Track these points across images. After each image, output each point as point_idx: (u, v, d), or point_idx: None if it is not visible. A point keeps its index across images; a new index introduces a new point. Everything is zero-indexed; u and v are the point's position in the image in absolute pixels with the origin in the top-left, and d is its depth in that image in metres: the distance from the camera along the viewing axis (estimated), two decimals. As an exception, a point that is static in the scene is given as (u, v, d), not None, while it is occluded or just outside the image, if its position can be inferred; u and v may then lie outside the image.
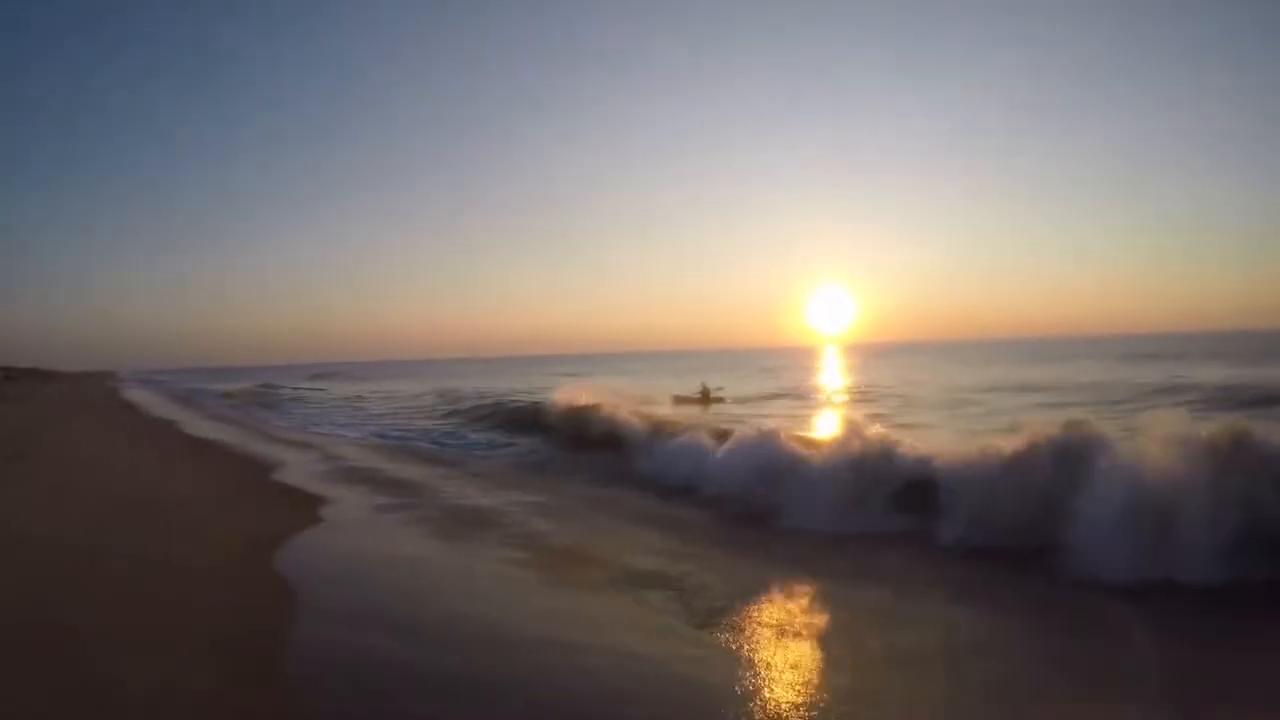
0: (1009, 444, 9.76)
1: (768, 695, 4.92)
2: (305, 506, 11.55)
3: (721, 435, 14.71)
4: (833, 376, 60.55)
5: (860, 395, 39.15)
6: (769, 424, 15.84)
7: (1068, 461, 8.73)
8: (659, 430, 17.09)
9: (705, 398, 35.56)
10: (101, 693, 4.66)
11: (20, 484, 12.36)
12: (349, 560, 8.69)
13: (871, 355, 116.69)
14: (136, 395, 55.28)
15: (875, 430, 11.86)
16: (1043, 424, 9.88)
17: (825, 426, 21.46)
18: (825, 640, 6.03)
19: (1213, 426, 8.35)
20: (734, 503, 11.70)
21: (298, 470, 15.77)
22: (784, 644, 5.92)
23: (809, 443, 12.85)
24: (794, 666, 5.46)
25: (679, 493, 13.01)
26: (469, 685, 5.14)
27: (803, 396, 39.15)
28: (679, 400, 35.04)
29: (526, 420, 24.36)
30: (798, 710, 4.69)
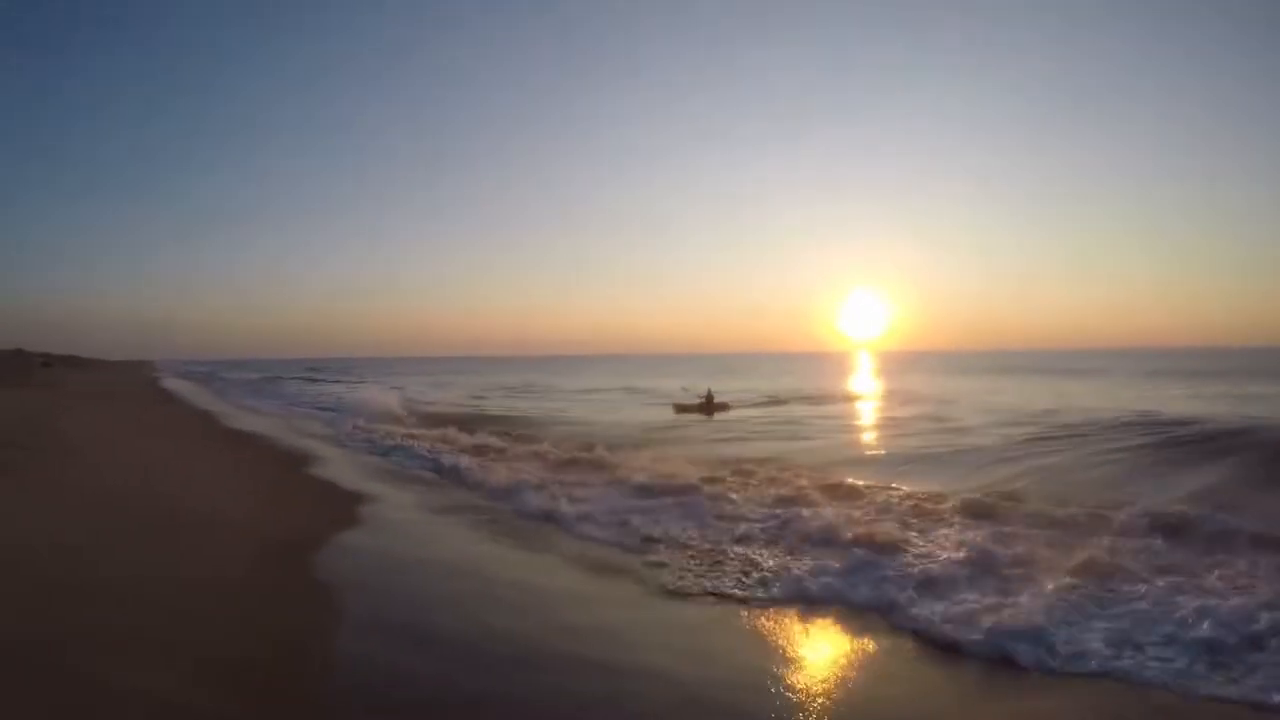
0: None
1: None
2: (340, 505, 10.83)
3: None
4: (850, 382, 59.07)
5: (864, 400, 37.78)
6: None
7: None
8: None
9: (709, 405, 32.48)
10: (99, 709, 4.33)
11: (22, 478, 11.57)
12: (383, 566, 8.10)
13: (901, 363, 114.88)
14: (177, 385, 55.26)
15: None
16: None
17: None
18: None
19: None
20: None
21: (335, 466, 15.07)
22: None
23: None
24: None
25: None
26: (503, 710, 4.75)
27: (817, 402, 36.91)
28: (681, 409, 32.02)
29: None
30: None
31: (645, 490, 11.96)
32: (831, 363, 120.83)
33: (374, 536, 9.25)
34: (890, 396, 39.22)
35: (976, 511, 10.03)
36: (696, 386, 35.56)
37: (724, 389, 42.27)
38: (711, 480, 12.63)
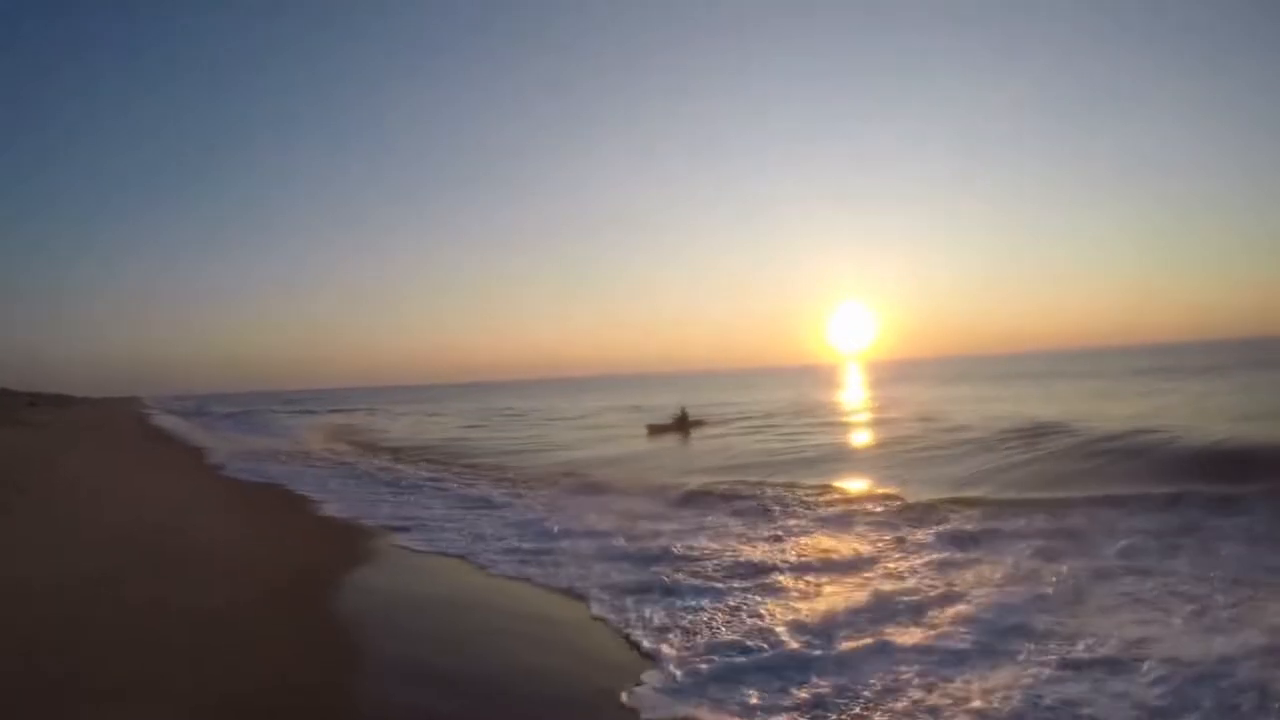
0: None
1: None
2: (347, 542, 10.93)
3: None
4: (833, 394, 58.90)
5: (836, 413, 37.62)
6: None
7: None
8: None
9: (684, 424, 31.70)
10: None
11: (19, 518, 11.87)
12: (394, 604, 8.15)
13: (890, 372, 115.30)
14: (167, 421, 54.99)
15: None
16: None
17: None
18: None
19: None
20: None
21: (339, 501, 15.09)
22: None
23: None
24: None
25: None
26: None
27: (801, 416, 36.30)
28: (654, 430, 30.89)
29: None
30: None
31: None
32: (815, 376, 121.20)
33: (381, 571, 9.39)
34: (853, 410, 39.68)
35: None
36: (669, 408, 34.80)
37: (709, 404, 42.82)
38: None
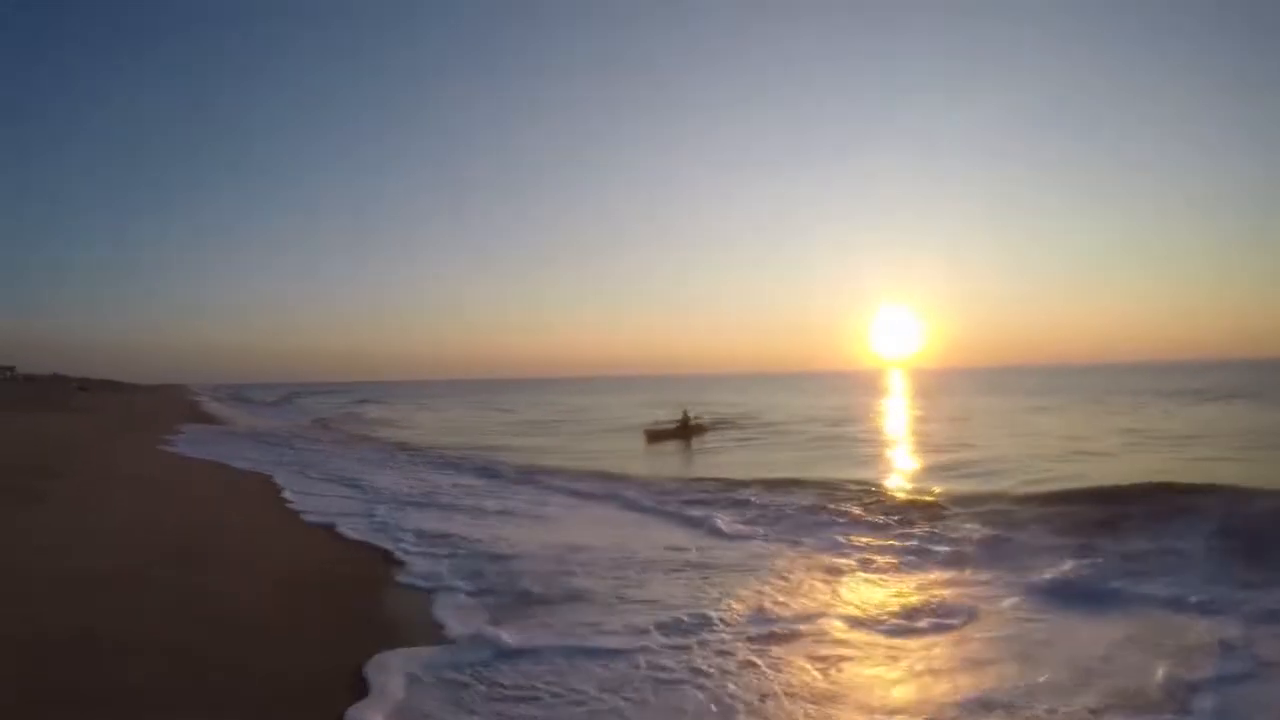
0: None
1: None
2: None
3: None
4: (859, 401, 56.92)
5: (850, 421, 35.76)
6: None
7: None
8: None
9: (686, 428, 29.18)
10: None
11: (55, 508, 11.34)
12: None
13: (935, 381, 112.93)
14: (213, 408, 55.80)
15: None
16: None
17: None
18: None
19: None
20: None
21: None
22: None
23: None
24: None
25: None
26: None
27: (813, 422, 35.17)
28: (653, 436, 27.98)
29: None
30: None
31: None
32: (850, 381, 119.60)
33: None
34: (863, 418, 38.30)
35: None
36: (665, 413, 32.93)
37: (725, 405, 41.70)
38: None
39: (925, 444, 24.50)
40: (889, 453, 22.53)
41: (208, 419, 43.05)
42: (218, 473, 17.70)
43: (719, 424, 32.76)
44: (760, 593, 7.60)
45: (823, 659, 5.77)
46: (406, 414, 53.69)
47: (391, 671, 5.32)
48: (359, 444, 27.95)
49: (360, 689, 5.06)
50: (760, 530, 11.11)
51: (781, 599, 7.39)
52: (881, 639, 6.28)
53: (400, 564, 8.85)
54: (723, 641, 6.12)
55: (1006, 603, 7.20)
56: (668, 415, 31.78)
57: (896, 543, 9.92)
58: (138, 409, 48.50)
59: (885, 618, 6.81)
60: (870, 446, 23.85)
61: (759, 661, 5.68)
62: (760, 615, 6.81)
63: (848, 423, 34.25)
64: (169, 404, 62.59)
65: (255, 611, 6.77)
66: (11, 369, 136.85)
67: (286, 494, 14.23)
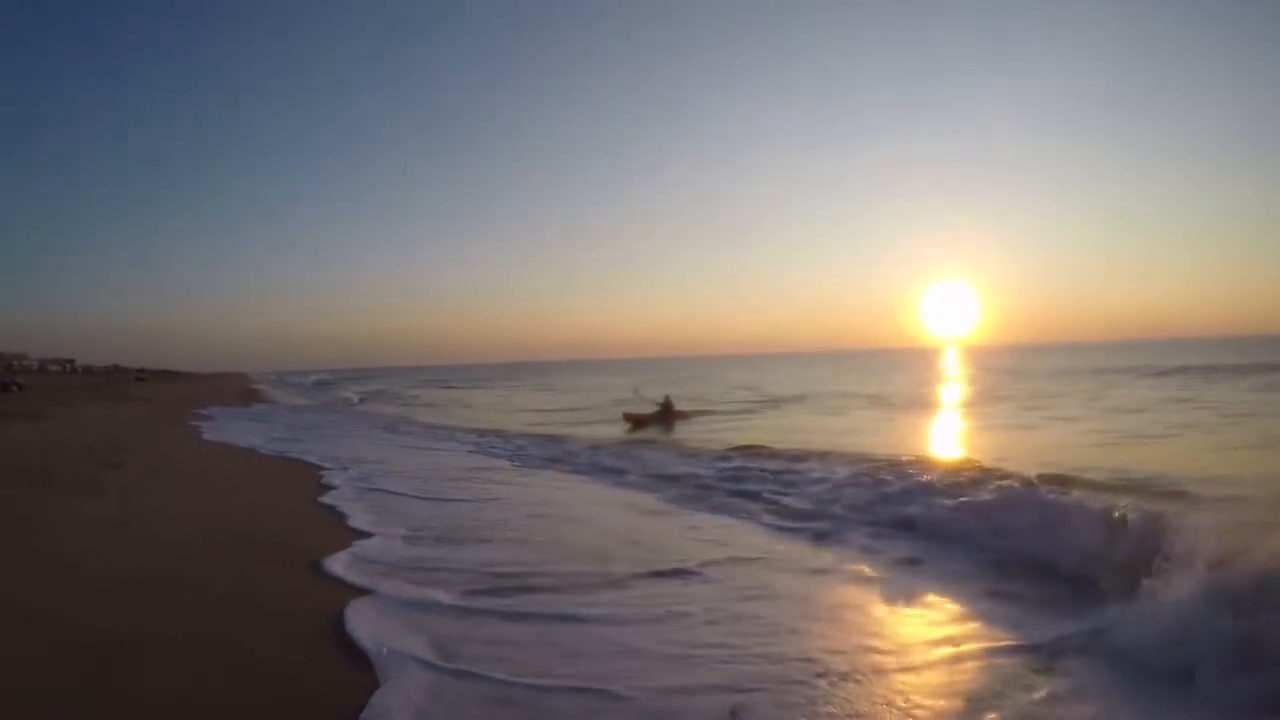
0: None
1: None
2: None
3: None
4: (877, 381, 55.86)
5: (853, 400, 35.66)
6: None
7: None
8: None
9: (667, 415, 28.29)
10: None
11: (110, 499, 11.44)
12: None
13: (985, 356, 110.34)
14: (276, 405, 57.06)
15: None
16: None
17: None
18: None
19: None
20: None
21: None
22: None
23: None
24: None
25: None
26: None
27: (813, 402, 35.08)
28: (633, 421, 27.69)
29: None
30: None
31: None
32: (892, 360, 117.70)
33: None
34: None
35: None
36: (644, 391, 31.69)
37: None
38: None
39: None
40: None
41: (258, 399, 46.43)
42: (262, 461, 17.90)
43: (704, 411, 31.52)
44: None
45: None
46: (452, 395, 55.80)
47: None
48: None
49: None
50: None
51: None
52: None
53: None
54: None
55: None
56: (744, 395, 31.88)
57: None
58: (188, 396, 49.77)
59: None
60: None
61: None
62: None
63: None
64: (220, 390, 64.29)
65: (312, 615, 6.64)
66: (71, 361, 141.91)
67: (326, 479, 14.43)
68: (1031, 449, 16.88)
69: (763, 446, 17.86)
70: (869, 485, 11.52)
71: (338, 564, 7.99)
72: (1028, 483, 10.28)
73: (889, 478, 11.74)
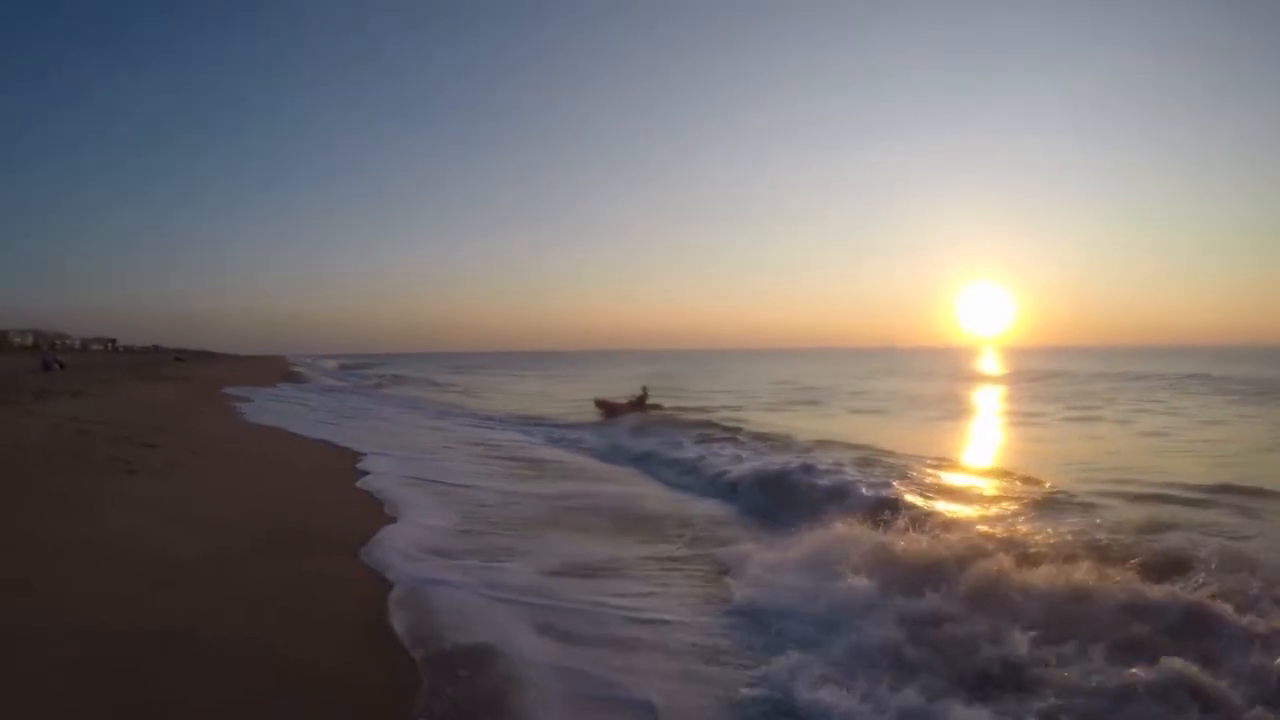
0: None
1: None
2: None
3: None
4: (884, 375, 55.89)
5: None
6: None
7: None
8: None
9: (641, 406, 28.23)
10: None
11: (150, 480, 11.24)
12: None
13: (1021, 358, 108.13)
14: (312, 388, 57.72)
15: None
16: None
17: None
18: None
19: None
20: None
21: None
22: None
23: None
24: None
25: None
26: None
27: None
28: (605, 406, 28.83)
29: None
30: None
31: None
32: (910, 359, 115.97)
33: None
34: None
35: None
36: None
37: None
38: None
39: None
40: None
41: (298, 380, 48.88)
42: (308, 445, 17.77)
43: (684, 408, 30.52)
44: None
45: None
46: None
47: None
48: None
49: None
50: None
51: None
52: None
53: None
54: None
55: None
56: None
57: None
58: (227, 376, 50.33)
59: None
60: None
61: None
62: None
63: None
64: (260, 371, 65.18)
65: (361, 611, 6.30)
66: (113, 341, 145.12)
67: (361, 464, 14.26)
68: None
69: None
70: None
71: (388, 554, 7.74)
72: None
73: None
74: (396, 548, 8.03)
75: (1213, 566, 6.40)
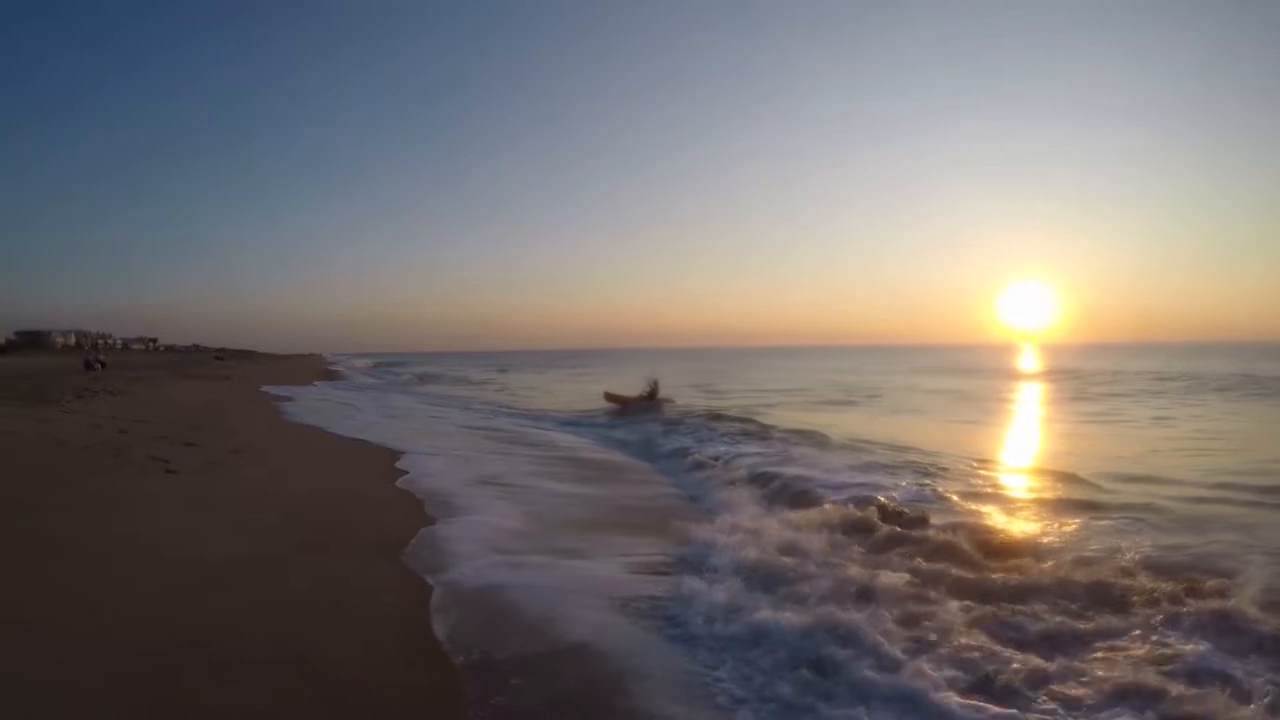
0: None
1: None
2: None
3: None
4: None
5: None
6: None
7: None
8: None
9: (652, 398, 28.87)
10: None
11: (189, 480, 11.03)
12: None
13: (1056, 353, 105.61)
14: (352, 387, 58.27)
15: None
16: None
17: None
18: None
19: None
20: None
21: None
22: None
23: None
24: None
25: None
26: None
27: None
28: (618, 402, 29.28)
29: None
30: None
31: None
32: (945, 356, 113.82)
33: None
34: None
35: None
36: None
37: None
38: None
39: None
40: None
41: (337, 379, 51.99)
42: (350, 446, 17.54)
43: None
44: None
45: None
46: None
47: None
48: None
49: None
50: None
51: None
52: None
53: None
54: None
55: None
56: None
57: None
58: (267, 375, 50.92)
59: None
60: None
61: None
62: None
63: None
64: (299, 370, 66.13)
65: (404, 619, 5.86)
66: (154, 340, 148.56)
67: (401, 463, 13.96)
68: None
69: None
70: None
71: (444, 556, 7.44)
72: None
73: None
74: (455, 550, 7.65)
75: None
